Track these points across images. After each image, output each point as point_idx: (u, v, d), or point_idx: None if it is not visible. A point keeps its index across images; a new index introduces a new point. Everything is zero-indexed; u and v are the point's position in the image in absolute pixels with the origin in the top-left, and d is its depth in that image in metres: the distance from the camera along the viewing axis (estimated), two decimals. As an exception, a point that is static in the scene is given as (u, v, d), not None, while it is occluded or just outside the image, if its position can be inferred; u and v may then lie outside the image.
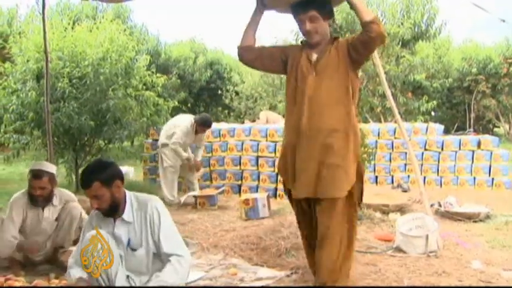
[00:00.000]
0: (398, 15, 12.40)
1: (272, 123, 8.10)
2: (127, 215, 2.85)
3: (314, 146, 2.92)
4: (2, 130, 7.34)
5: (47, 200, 3.73)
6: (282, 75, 4.62)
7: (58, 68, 7.02)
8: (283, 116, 9.02)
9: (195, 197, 6.46)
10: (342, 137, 2.91)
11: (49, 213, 3.78)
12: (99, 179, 2.75)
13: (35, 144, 7.41)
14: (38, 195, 3.66)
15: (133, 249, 2.85)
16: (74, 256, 2.96)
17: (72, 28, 7.79)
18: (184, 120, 6.76)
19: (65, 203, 3.85)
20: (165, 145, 6.69)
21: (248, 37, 3.19)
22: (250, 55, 3.20)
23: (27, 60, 7.20)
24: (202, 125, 6.76)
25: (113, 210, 2.84)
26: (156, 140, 7.95)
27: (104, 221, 2.90)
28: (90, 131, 7.23)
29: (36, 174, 3.65)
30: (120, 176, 2.88)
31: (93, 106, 7.13)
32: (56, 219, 3.83)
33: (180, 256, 2.76)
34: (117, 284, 2.75)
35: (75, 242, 3.65)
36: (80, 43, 7.39)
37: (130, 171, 8.53)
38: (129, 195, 2.91)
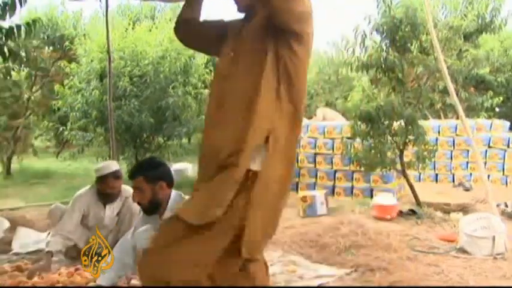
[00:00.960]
0: (461, 7, 11.90)
1: (330, 120, 8.02)
2: (166, 215, 2.86)
3: (209, 177, 1.96)
4: (68, 127, 7.69)
5: (117, 197, 3.91)
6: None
7: (120, 67, 7.27)
8: (343, 114, 8.89)
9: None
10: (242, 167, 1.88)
11: (110, 209, 3.94)
12: (144, 175, 2.83)
13: (98, 141, 7.71)
14: (115, 194, 3.86)
15: None
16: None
17: (133, 28, 8.04)
18: None
19: (125, 199, 3.99)
20: None
21: (189, 9, 2.36)
22: (185, 31, 2.37)
23: (91, 61, 7.50)
24: None
25: (153, 209, 2.89)
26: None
27: (151, 219, 2.94)
28: (150, 128, 7.43)
29: (118, 176, 3.82)
30: (167, 179, 2.91)
31: (153, 104, 7.33)
32: (117, 215, 3.98)
33: None
34: None
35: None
36: (140, 43, 7.61)
37: (188, 167, 8.67)
38: (175, 197, 2.91)
